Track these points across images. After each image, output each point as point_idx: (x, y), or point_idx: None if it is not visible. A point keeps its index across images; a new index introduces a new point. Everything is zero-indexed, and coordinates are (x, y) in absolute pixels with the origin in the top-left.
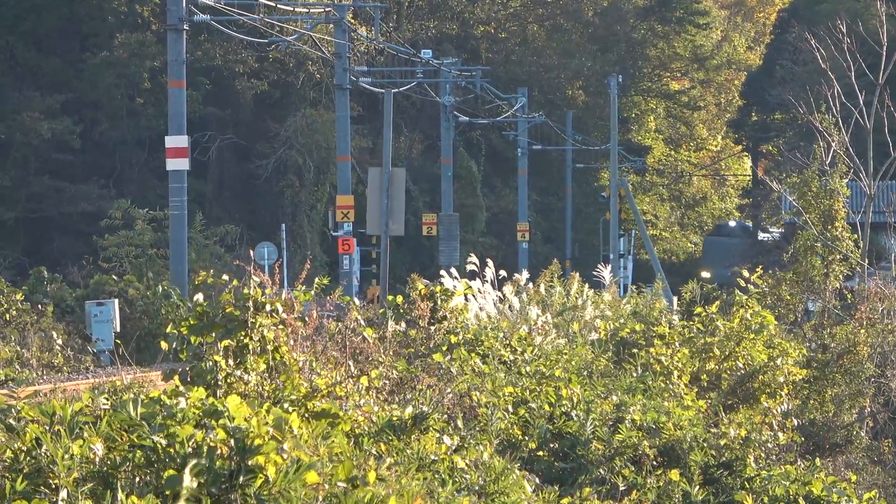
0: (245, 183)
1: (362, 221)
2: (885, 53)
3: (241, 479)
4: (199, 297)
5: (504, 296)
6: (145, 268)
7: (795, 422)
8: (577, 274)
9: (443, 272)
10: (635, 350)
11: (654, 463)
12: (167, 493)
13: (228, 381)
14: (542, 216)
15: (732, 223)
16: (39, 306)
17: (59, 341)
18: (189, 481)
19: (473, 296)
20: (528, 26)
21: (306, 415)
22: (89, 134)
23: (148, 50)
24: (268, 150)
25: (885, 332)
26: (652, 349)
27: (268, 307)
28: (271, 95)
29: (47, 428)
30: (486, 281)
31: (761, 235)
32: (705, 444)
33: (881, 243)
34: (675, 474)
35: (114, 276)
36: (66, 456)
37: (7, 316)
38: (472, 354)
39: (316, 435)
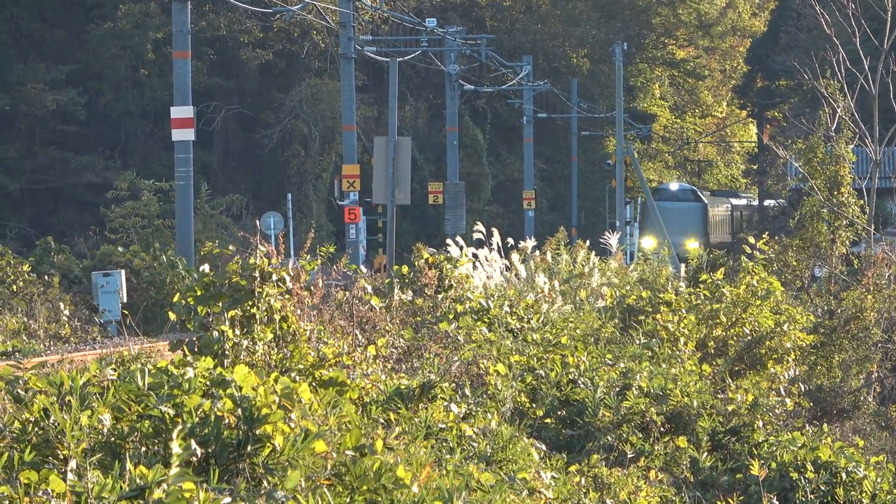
0: (250, 153)
1: (368, 190)
2: (889, 19)
3: (249, 448)
4: (206, 267)
5: (510, 264)
6: (151, 238)
7: (803, 387)
8: (586, 241)
9: (449, 241)
10: (642, 317)
11: (662, 430)
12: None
13: (235, 350)
14: (547, 184)
15: (674, 186)
16: (46, 277)
17: (66, 312)
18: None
19: (480, 264)
20: None
21: (314, 383)
22: (94, 105)
23: (151, 21)
24: (273, 120)
25: (892, 297)
26: (658, 316)
27: (274, 277)
28: (276, 65)
29: (55, 399)
30: (493, 249)
31: (763, 201)
32: (713, 411)
33: (887, 209)
34: (682, 441)
35: (120, 247)
36: (75, 426)
37: (14, 287)
38: (479, 323)
39: (325, 403)
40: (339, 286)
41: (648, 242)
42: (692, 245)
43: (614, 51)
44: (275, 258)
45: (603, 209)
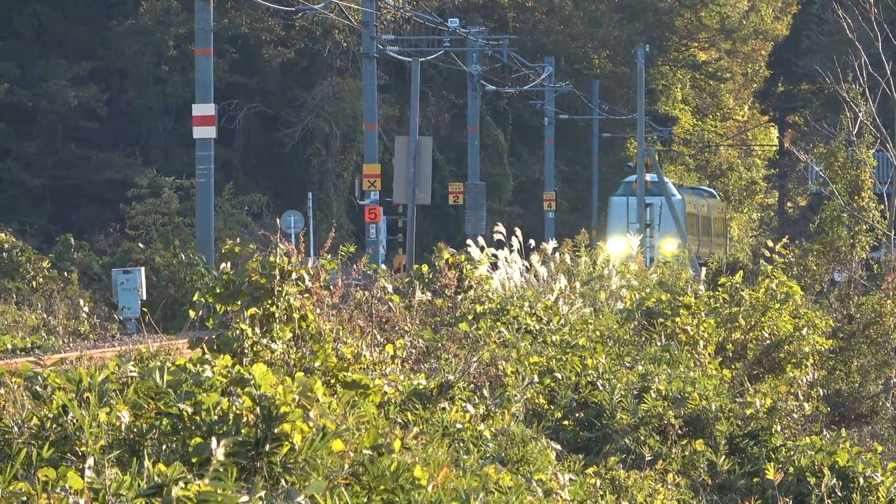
0: (272, 151)
1: (389, 190)
2: None
3: (268, 447)
4: (226, 265)
5: (530, 265)
6: (172, 236)
7: (821, 392)
8: (606, 243)
9: (469, 241)
10: (661, 320)
11: (680, 433)
12: (194, 460)
13: (255, 349)
14: (568, 185)
15: (646, 178)
16: (66, 274)
17: (86, 309)
18: (221, 454)
19: (500, 265)
20: None
21: (336, 384)
22: (116, 102)
23: (173, 18)
24: (294, 119)
25: None
26: (678, 319)
27: (294, 275)
28: (298, 64)
29: (74, 395)
30: (513, 250)
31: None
32: (731, 414)
33: None
34: (700, 444)
35: (140, 245)
36: (93, 423)
37: (34, 283)
38: (498, 323)
39: (344, 404)
40: (358, 286)
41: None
42: (668, 247)
43: (636, 53)
44: (295, 257)
45: None
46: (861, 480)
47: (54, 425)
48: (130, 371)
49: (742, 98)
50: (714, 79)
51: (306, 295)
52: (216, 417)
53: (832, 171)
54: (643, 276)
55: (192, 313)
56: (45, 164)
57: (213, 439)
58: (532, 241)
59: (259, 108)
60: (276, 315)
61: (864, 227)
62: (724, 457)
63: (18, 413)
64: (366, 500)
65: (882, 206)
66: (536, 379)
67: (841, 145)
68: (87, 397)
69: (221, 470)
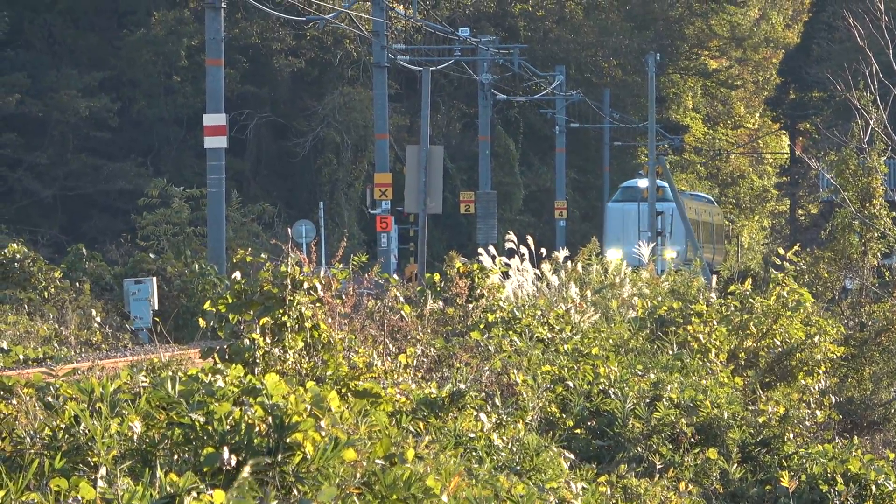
0: (283, 161)
1: (400, 199)
2: None
3: (280, 456)
4: (238, 275)
5: (542, 274)
6: (183, 246)
7: (833, 400)
8: (618, 251)
9: (480, 250)
10: (673, 328)
11: (692, 441)
12: (206, 470)
13: (266, 358)
14: (579, 194)
15: (644, 183)
16: (77, 284)
17: (98, 319)
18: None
19: (511, 273)
20: (565, 4)
21: (347, 394)
22: (127, 112)
23: (185, 28)
24: (305, 128)
25: None
26: (689, 327)
27: (305, 285)
28: (309, 73)
29: (86, 405)
30: (525, 259)
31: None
32: (743, 422)
33: None
34: (712, 452)
35: (151, 254)
36: (105, 433)
37: (45, 293)
38: (510, 332)
39: (356, 413)
40: (370, 295)
41: (613, 252)
42: (670, 254)
43: (647, 61)
44: (306, 266)
45: None
46: (874, 488)
47: (66, 435)
48: (142, 381)
49: (753, 106)
50: (725, 87)
51: (318, 304)
52: (228, 427)
53: (843, 178)
54: (654, 284)
55: (202, 323)
56: (57, 174)
57: (225, 449)
58: (543, 250)
59: (270, 117)
60: (288, 324)
61: (876, 234)
62: (736, 465)
63: (31, 423)
64: None
65: (893, 214)
66: (549, 387)
67: (852, 153)
68: (99, 407)
69: (247, 487)
